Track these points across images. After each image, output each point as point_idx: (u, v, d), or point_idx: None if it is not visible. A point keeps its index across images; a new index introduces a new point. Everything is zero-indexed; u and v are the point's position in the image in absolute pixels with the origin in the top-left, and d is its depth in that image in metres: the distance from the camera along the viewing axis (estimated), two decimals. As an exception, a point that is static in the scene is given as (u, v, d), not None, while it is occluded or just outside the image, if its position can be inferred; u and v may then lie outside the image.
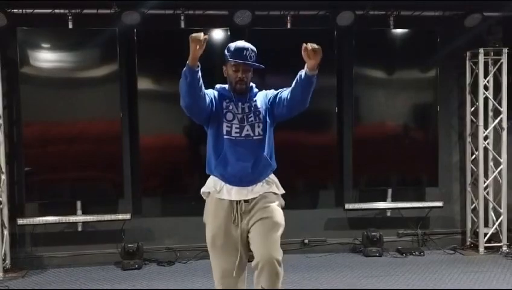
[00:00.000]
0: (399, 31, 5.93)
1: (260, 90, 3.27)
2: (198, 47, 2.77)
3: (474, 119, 6.05)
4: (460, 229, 6.34)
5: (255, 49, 3.12)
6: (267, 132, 3.14)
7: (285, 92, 3.09)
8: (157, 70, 5.68)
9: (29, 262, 5.64)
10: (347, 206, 5.98)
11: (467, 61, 6.07)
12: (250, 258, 3.09)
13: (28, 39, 5.45)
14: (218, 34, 5.64)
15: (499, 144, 6.04)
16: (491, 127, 6.03)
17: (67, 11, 5.45)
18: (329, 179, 6.04)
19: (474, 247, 6.06)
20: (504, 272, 5.28)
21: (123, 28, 5.49)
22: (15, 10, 5.37)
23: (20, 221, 5.51)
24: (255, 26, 5.51)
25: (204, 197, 3.21)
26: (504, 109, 5.96)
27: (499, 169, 6.02)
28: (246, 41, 3.19)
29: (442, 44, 5.88)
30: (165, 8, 5.55)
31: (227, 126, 3.08)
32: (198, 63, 2.84)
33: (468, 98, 6.09)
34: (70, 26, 5.50)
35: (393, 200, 6.09)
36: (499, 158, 6.03)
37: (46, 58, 5.52)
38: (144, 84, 5.61)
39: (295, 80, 2.99)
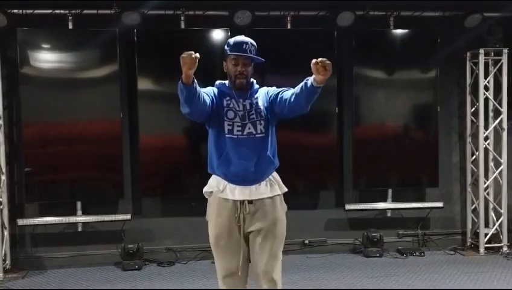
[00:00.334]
0: (399, 31, 5.93)
1: (261, 87, 3.22)
2: (190, 68, 2.66)
3: (474, 120, 6.05)
4: (460, 229, 6.33)
5: (255, 43, 3.08)
6: (269, 129, 3.09)
7: (288, 93, 3.02)
8: (158, 71, 5.68)
9: (29, 263, 5.64)
10: (347, 206, 5.98)
11: (467, 62, 6.07)
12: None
13: (28, 39, 5.45)
14: (218, 35, 5.64)
15: (499, 145, 6.04)
16: (491, 127, 6.03)
17: (67, 11, 5.45)
18: (329, 179, 6.04)
19: (475, 247, 6.06)
20: (504, 272, 5.27)
21: (123, 28, 5.49)
22: (15, 10, 5.37)
23: (20, 221, 5.51)
24: (255, 26, 5.50)
25: (206, 197, 3.17)
26: (504, 109, 5.96)
27: (499, 169, 6.01)
28: (246, 41, 3.17)
29: (442, 44, 5.88)
30: (165, 9, 5.55)
31: (228, 125, 3.03)
32: (193, 78, 2.73)
33: (469, 98, 6.09)
34: (70, 26, 5.50)
35: (394, 200, 6.09)
36: (499, 158, 6.02)
37: (46, 58, 5.52)
38: (144, 84, 5.60)
39: (300, 86, 2.90)
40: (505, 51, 5.88)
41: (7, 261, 5.45)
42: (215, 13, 5.64)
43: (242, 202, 3.03)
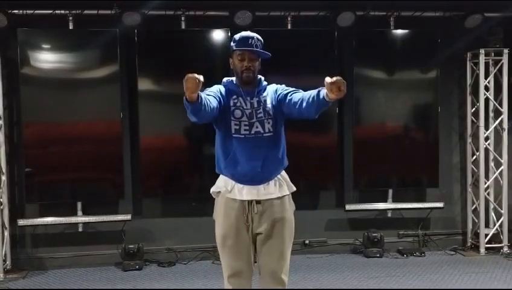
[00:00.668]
0: (399, 31, 5.93)
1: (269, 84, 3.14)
2: (192, 92, 2.55)
3: (474, 120, 6.05)
4: (461, 230, 6.33)
5: (261, 38, 3.03)
6: (278, 128, 3.02)
7: (297, 96, 2.93)
8: (158, 71, 5.68)
9: (30, 263, 5.64)
10: (348, 207, 5.97)
11: (468, 62, 6.06)
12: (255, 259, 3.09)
13: (28, 40, 5.45)
14: (218, 35, 5.64)
15: (499, 145, 6.04)
16: (491, 127, 6.03)
17: (67, 11, 5.45)
18: (329, 179, 6.04)
19: (475, 248, 6.06)
20: (505, 273, 5.27)
21: (124, 28, 5.49)
22: (15, 11, 5.37)
23: (21, 222, 5.51)
24: (256, 26, 5.46)
25: (214, 197, 3.12)
26: (505, 109, 5.96)
27: (499, 170, 6.01)
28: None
29: (442, 45, 5.88)
30: (165, 9, 5.55)
31: (235, 124, 2.96)
32: (198, 93, 2.60)
33: (469, 98, 6.09)
34: (70, 27, 5.50)
35: (394, 201, 6.09)
36: (499, 159, 6.02)
37: (47, 59, 5.52)
38: (144, 84, 5.60)
39: (312, 95, 2.79)
40: (506, 51, 5.88)
41: (7, 262, 5.45)
42: (216, 13, 5.64)
43: (250, 202, 2.99)
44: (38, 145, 5.48)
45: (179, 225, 5.89)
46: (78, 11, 5.47)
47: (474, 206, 6.11)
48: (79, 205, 5.63)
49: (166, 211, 5.94)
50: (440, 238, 6.24)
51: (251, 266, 3.06)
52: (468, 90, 6.09)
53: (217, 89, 3.03)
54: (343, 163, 6.05)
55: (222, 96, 2.99)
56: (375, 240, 5.85)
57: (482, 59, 5.87)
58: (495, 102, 6.02)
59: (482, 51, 5.86)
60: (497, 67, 5.96)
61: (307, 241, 6.03)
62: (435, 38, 5.88)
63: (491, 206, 6.09)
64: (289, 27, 5.77)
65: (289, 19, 5.74)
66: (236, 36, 3.03)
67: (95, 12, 5.48)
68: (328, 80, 2.61)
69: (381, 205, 6.09)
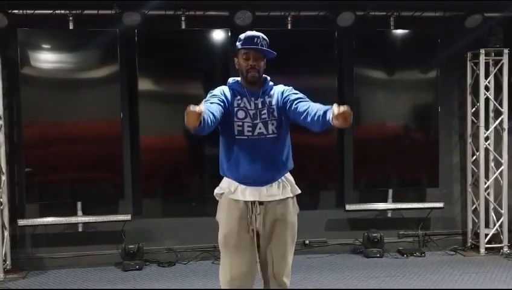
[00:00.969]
0: (399, 31, 5.93)
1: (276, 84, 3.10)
2: (193, 124, 2.52)
3: (475, 120, 6.05)
4: (461, 230, 6.33)
5: (266, 38, 3.01)
6: (282, 130, 2.99)
7: (304, 106, 2.87)
8: (158, 71, 5.69)
9: (30, 263, 5.64)
10: (348, 207, 5.98)
11: (468, 62, 6.06)
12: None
13: (28, 40, 5.45)
14: (218, 35, 5.64)
15: (499, 145, 6.04)
16: (492, 127, 6.03)
17: (67, 11, 5.45)
18: (329, 179, 6.04)
19: (475, 248, 6.06)
20: (505, 273, 5.27)
21: (124, 28, 5.49)
22: (16, 11, 5.37)
23: (21, 222, 5.51)
24: (256, 26, 5.44)
25: (217, 198, 3.10)
26: (505, 109, 5.96)
27: (499, 170, 6.01)
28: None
29: (442, 45, 5.88)
30: (165, 9, 5.55)
31: (238, 125, 2.93)
32: (200, 120, 2.55)
33: (469, 98, 6.09)
34: (71, 27, 5.50)
35: (394, 201, 6.09)
36: (499, 159, 6.02)
37: (47, 59, 5.52)
38: (144, 85, 5.60)
39: (318, 113, 2.72)
40: (506, 51, 5.88)
41: (7, 262, 5.45)
42: (216, 13, 5.64)
43: (253, 203, 2.98)
44: (38, 145, 5.48)
45: (179, 225, 5.89)
46: (78, 11, 5.47)
47: (474, 206, 6.11)
48: (79, 205, 5.63)
49: (166, 211, 5.94)
50: (440, 238, 6.24)
51: (253, 266, 3.02)
52: (468, 90, 6.09)
53: (221, 91, 3.00)
54: (343, 163, 6.05)
55: (226, 99, 2.96)
56: (375, 240, 5.85)
57: (482, 59, 5.87)
58: (495, 102, 6.02)
59: (482, 51, 5.86)
60: (497, 67, 5.96)
61: (307, 242, 6.03)
62: (435, 38, 5.88)
63: (491, 206, 6.09)
64: (289, 27, 5.77)
65: (289, 19, 5.75)
66: (242, 35, 3.02)
67: (95, 12, 5.48)
68: (335, 110, 2.52)
69: (381, 205, 6.09)
